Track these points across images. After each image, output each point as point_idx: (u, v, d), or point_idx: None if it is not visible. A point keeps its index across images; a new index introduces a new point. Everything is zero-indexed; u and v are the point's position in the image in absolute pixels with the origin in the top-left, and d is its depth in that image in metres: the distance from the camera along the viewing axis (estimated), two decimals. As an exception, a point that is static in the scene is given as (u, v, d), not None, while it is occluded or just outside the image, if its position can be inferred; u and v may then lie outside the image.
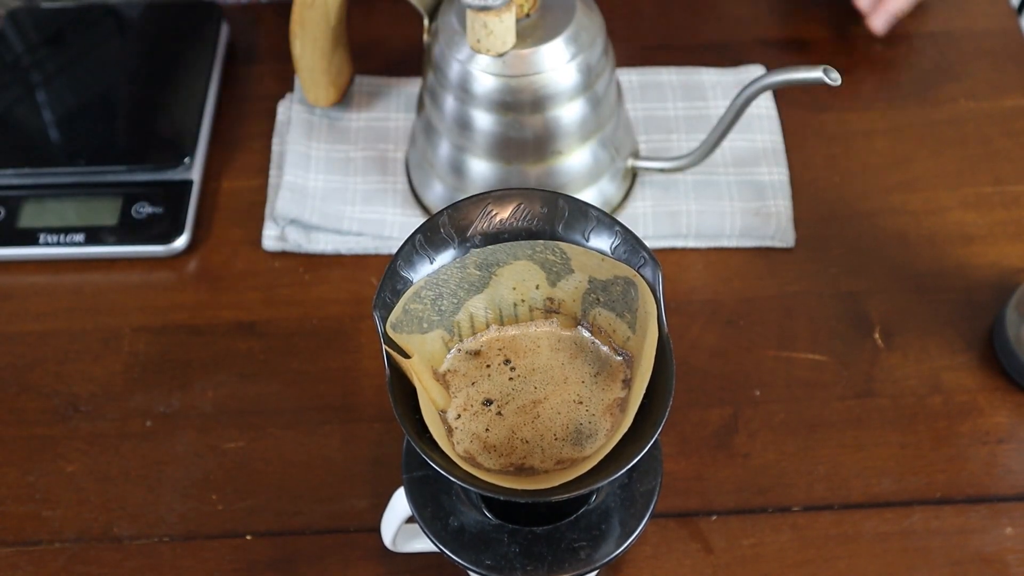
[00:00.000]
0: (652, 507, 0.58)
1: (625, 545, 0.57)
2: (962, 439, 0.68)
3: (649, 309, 0.52)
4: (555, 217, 0.54)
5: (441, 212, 0.54)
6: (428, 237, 0.54)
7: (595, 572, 0.61)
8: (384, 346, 0.52)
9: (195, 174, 0.80)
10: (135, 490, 0.67)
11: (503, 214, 0.55)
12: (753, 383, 0.71)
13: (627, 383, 0.53)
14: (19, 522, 0.66)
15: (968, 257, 0.76)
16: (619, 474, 0.49)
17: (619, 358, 0.54)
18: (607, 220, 0.54)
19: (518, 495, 0.49)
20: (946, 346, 0.72)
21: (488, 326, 0.56)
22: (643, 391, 0.50)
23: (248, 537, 0.66)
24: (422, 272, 0.54)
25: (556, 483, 0.49)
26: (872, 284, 0.75)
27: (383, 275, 0.53)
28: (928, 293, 0.74)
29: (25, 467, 0.68)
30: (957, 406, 0.70)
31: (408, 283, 0.54)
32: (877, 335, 0.73)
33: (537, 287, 0.56)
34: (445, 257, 0.54)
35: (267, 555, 0.65)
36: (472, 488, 0.48)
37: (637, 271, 0.53)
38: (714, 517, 0.66)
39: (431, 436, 0.50)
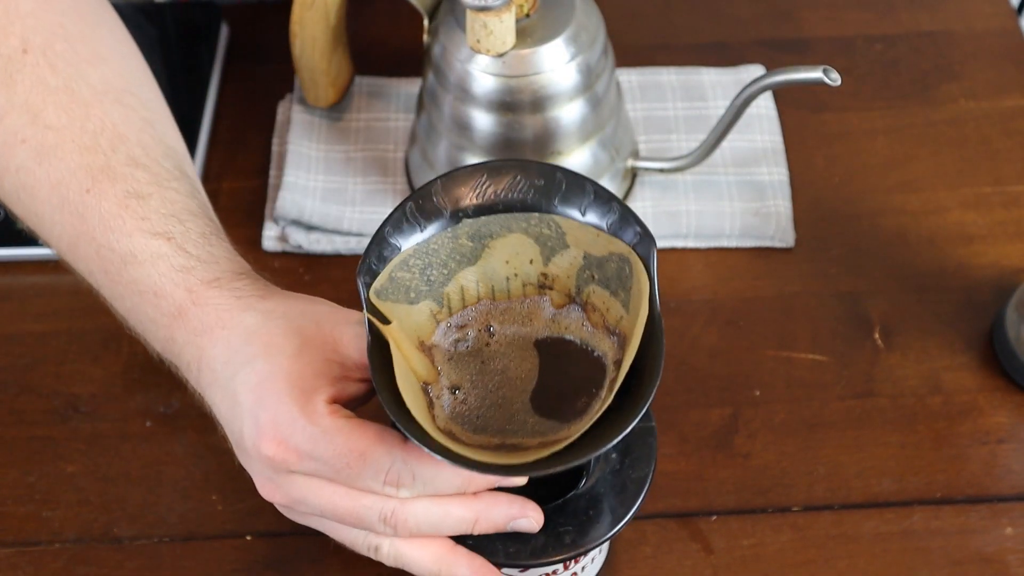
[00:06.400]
0: (644, 494, 0.56)
1: (612, 532, 0.55)
2: (962, 439, 0.68)
3: (642, 288, 0.51)
4: (552, 190, 0.53)
5: (434, 180, 0.53)
6: (419, 205, 0.53)
7: (595, 572, 0.61)
8: (366, 313, 0.51)
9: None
10: (135, 490, 0.67)
11: (498, 185, 0.53)
12: (753, 383, 0.71)
13: (618, 364, 0.52)
14: (19, 522, 0.66)
15: (968, 257, 0.76)
16: (597, 453, 0.47)
17: (612, 338, 0.53)
18: (604, 195, 0.53)
19: (491, 470, 0.48)
20: (946, 346, 0.72)
21: (479, 300, 0.55)
22: (627, 369, 0.49)
23: (248, 537, 0.66)
24: (411, 240, 0.53)
25: (532, 459, 0.48)
26: (872, 284, 0.75)
27: (370, 240, 0.52)
28: (928, 293, 0.74)
29: (25, 467, 0.68)
30: (957, 406, 0.70)
31: (396, 250, 0.53)
32: (877, 335, 0.73)
33: (531, 262, 0.54)
34: (436, 226, 0.53)
35: (267, 555, 0.65)
36: (446, 460, 0.47)
37: (632, 248, 0.52)
38: (714, 517, 0.66)
39: (408, 407, 0.50)
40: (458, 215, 0.53)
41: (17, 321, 0.74)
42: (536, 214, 0.53)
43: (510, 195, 0.53)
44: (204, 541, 0.65)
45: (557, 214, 0.53)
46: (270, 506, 0.66)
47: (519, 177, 0.53)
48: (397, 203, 0.77)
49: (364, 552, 0.54)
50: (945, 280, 0.75)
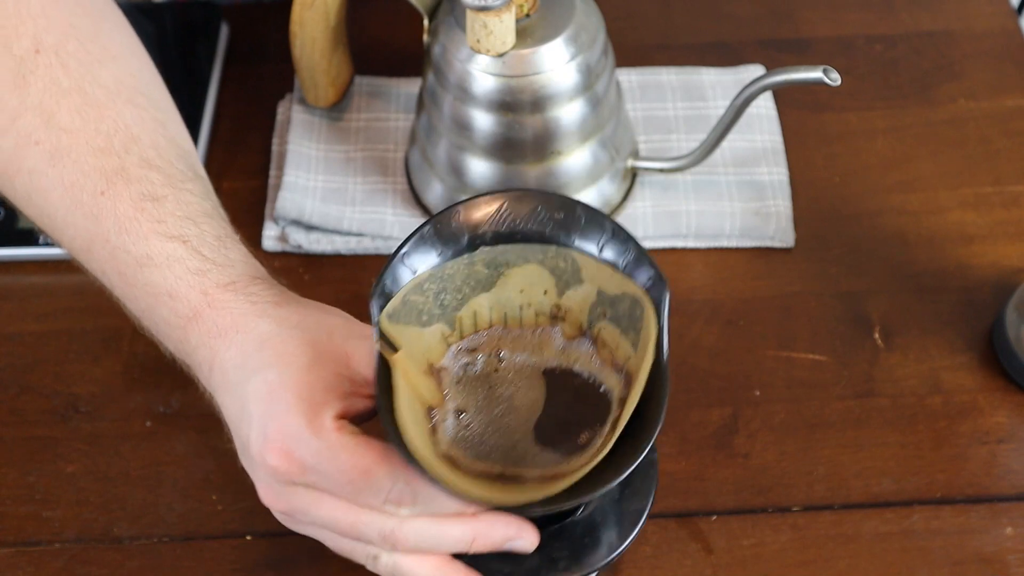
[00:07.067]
0: (640, 526, 0.57)
1: (606, 561, 0.56)
2: (962, 439, 0.68)
3: (651, 331, 0.51)
4: (571, 224, 0.54)
5: (455, 205, 0.53)
6: (438, 229, 0.53)
7: (594, 573, 0.61)
8: (375, 337, 0.51)
9: (195, 174, 0.80)
10: (135, 490, 0.67)
11: (518, 215, 0.54)
12: (753, 383, 0.71)
13: (622, 402, 0.53)
14: (19, 522, 0.66)
15: (968, 257, 0.76)
16: (590, 497, 0.48)
17: (619, 376, 0.54)
18: (622, 235, 0.53)
19: (485, 503, 0.48)
20: (946, 346, 0.72)
21: (491, 325, 0.56)
22: (629, 414, 0.49)
23: (248, 537, 0.66)
24: (427, 263, 0.53)
25: (531, 497, 0.48)
26: (872, 284, 0.75)
27: (386, 262, 0.52)
28: (928, 293, 0.74)
29: (25, 467, 0.68)
30: (957, 406, 0.70)
31: (411, 273, 0.53)
32: (877, 335, 0.73)
33: (545, 293, 0.55)
34: (453, 251, 0.53)
35: (267, 555, 0.65)
36: (444, 490, 0.48)
37: (645, 291, 0.52)
38: (714, 517, 0.66)
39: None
40: (475, 242, 0.54)
41: (17, 321, 0.74)
42: (553, 247, 0.54)
43: (529, 226, 0.54)
44: (204, 541, 0.65)
45: (574, 249, 0.54)
46: (270, 506, 0.66)
47: (539, 208, 0.54)
48: (397, 203, 0.78)
49: (361, 562, 0.54)
50: (945, 280, 0.75)
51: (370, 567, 0.54)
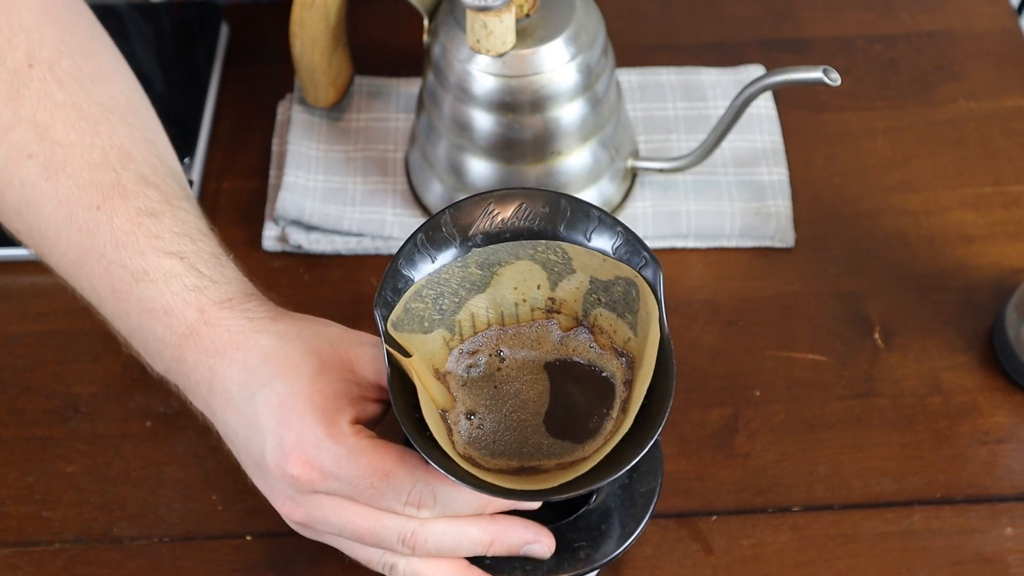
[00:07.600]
0: (652, 508, 0.58)
1: (624, 546, 0.57)
2: (962, 439, 0.68)
3: (650, 310, 0.52)
4: (557, 217, 0.54)
5: (443, 211, 0.54)
6: (430, 236, 0.54)
7: (595, 572, 0.61)
8: (384, 345, 0.52)
9: (195, 174, 0.80)
10: (135, 491, 0.67)
11: (505, 213, 0.55)
12: (753, 383, 0.71)
13: (628, 384, 0.53)
14: (19, 522, 0.66)
15: (968, 257, 0.76)
16: (617, 476, 0.49)
17: (620, 359, 0.54)
18: (609, 220, 0.54)
19: (516, 495, 0.49)
20: (946, 346, 0.72)
21: (489, 326, 0.56)
22: (643, 393, 0.50)
23: (248, 537, 0.66)
24: (423, 271, 0.54)
25: (555, 484, 0.49)
26: (872, 284, 0.75)
27: (384, 273, 0.53)
28: (928, 293, 0.74)
29: (25, 467, 0.68)
30: (957, 406, 0.70)
31: (409, 282, 0.54)
32: (877, 335, 0.73)
33: (538, 287, 0.55)
34: (447, 256, 0.54)
35: (267, 555, 0.65)
36: (471, 487, 0.48)
37: (638, 272, 0.53)
38: (714, 517, 0.66)
39: (431, 435, 0.50)
40: (467, 244, 0.54)
41: (17, 321, 0.74)
42: (543, 241, 0.55)
43: (517, 223, 0.55)
44: (204, 541, 0.65)
45: (563, 240, 0.54)
46: (270, 506, 0.66)
47: (525, 205, 0.54)
48: (397, 203, 0.78)
49: (380, 570, 0.55)
50: (945, 280, 0.75)
51: (388, 575, 0.54)
